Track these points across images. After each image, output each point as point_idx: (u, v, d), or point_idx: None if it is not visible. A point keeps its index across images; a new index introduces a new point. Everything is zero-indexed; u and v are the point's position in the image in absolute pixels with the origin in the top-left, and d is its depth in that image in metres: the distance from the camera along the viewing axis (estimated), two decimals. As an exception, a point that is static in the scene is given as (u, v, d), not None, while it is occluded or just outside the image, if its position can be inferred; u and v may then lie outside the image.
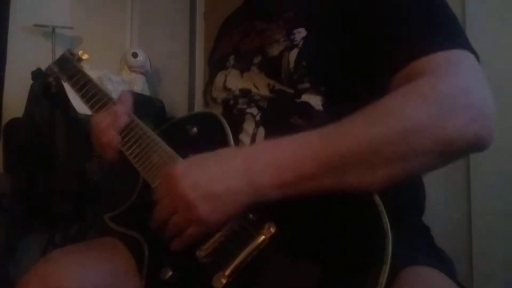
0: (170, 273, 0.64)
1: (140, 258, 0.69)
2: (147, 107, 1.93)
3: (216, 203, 0.59)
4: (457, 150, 0.55)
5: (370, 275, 0.50)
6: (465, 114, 0.54)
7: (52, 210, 1.65)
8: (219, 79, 0.83)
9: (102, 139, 0.78)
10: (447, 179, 1.18)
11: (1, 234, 1.66)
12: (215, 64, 0.88)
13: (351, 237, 0.55)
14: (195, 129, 0.76)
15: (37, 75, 1.61)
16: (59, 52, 0.98)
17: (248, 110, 0.74)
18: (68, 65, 0.94)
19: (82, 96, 0.88)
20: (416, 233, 0.71)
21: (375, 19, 0.65)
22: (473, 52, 0.61)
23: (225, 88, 0.80)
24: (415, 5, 0.64)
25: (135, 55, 2.12)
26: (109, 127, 0.78)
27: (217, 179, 0.59)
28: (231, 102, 0.77)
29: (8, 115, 1.89)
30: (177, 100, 2.31)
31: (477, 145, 0.56)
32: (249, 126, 0.72)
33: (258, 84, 0.75)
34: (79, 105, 1.57)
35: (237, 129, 0.72)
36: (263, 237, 0.58)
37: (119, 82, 1.98)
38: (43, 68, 1.00)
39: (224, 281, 0.57)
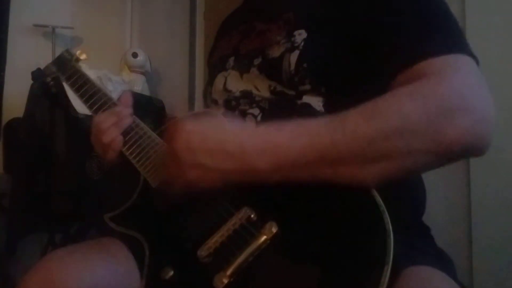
0: (171, 272, 0.64)
1: (141, 258, 0.69)
2: (147, 107, 1.93)
3: (205, 173, 0.61)
4: (454, 153, 0.55)
5: (372, 275, 0.50)
6: (464, 118, 0.54)
7: (52, 210, 1.65)
8: (219, 81, 0.83)
9: (104, 139, 0.78)
10: (447, 179, 1.18)
11: (1, 234, 1.66)
12: (215, 65, 0.88)
13: (353, 237, 0.55)
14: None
15: (37, 75, 1.60)
16: (59, 52, 0.98)
17: (250, 111, 0.74)
18: (66, 65, 0.94)
19: (81, 96, 0.88)
20: (416, 233, 0.71)
21: (375, 21, 0.65)
22: (473, 56, 0.61)
23: (226, 90, 0.80)
24: (416, 7, 0.64)
25: (135, 55, 2.12)
26: (111, 127, 0.78)
27: (213, 155, 0.61)
28: (233, 103, 0.77)
29: (8, 115, 1.89)
30: (177, 100, 2.31)
31: (474, 150, 0.56)
32: (250, 126, 0.72)
33: (259, 85, 0.75)
34: (79, 105, 1.57)
35: None
36: (264, 237, 0.58)
37: (119, 82, 1.98)
38: (43, 68, 1.00)
39: (225, 281, 0.57)
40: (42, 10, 2.12)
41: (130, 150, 0.78)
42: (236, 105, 0.77)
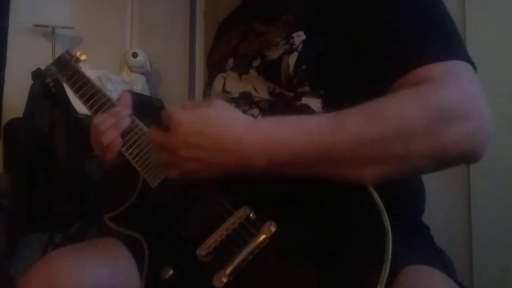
0: (171, 272, 0.64)
1: (141, 257, 0.69)
2: (147, 107, 1.93)
3: (202, 165, 0.61)
4: (451, 159, 0.56)
5: (371, 273, 0.50)
6: (463, 124, 0.55)
7: (52, 210, 1.65)
8: (218, 82, 0.83)
9: (103, 141, 0.78)
10: (447, 179, 1.18)
11: (1, 234, 1.66)
12: (214, 66, 0.88)
13: (351, 236, 0.55)
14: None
15: (37, 75, 1.61)
16: (59, 52, 0.98)
17: (249, 112, 0.74)
18: (66, 66, 0.94)
19: (81, 97, 0.88)
20: (415, 233, 0.71)
21: (375, 24, 0.66)
22: (471, 62, 0.61)
23: (225, 91, 0.80)
24: (415, 12, 0.64)
25: (135, 55, 2.12)
26: (111, 128, 0.78)
27: (209, 150, 0.61)
28: (233, 104, 0.77)
29: (8, 115, 1.89)
30: (177, 100, 2.31)
31: (470, 157, 0.57)
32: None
33: (258, 87, 0.75)
34: (79, 105, 1.57)
35: None
36: (263, 236, 0.58)
37: (119, 82, 1.98)
38: (43, 68, 1.01)
39: (224, 280, 0.57)
40: (42, 10, 2.12)
41: (129, 151, 0.78)
42: (236, 106, 0.76)
